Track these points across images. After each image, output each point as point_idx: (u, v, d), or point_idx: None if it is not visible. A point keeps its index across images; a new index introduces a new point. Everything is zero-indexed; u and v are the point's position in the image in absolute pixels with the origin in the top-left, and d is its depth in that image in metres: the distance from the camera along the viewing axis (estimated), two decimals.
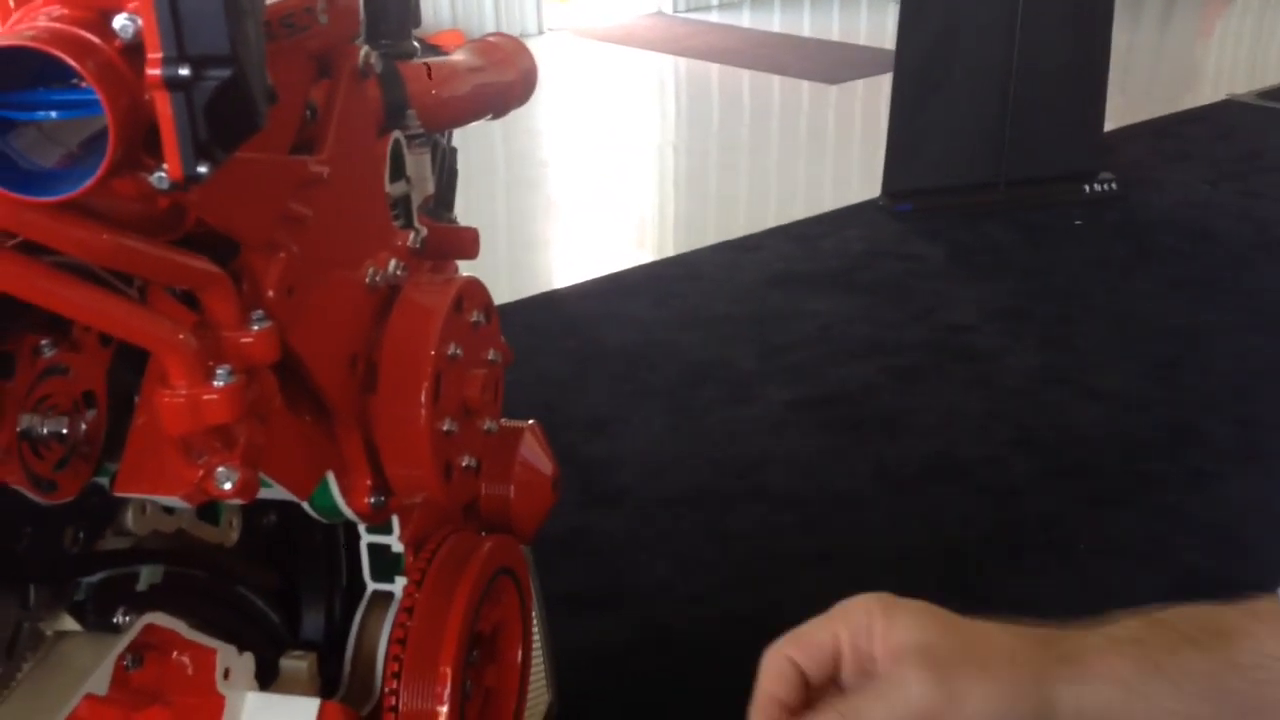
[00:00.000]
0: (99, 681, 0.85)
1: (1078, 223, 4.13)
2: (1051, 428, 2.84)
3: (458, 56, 1.27)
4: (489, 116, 1.31)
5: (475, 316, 1.08)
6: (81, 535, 0.83)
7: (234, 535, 1.04)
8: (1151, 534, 2.42)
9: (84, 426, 0.81)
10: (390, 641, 1.08)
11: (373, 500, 1.03)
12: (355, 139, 0.98)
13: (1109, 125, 4.54)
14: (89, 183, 0.64)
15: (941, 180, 4.23)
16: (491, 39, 1.32)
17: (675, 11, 7.74)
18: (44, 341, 0.78)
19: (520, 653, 1.25)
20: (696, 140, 5.71)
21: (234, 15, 0.64)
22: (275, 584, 1.10)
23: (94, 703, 0.96)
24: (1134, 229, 4.10)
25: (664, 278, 4.02)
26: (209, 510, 1.01)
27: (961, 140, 4.18)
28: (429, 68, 1.22)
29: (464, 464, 1.08)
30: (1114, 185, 4.30)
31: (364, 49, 0.98)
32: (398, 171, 1.12)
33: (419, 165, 1.13)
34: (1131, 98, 5.63)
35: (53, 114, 0.65)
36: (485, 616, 1.18)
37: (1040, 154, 4.21)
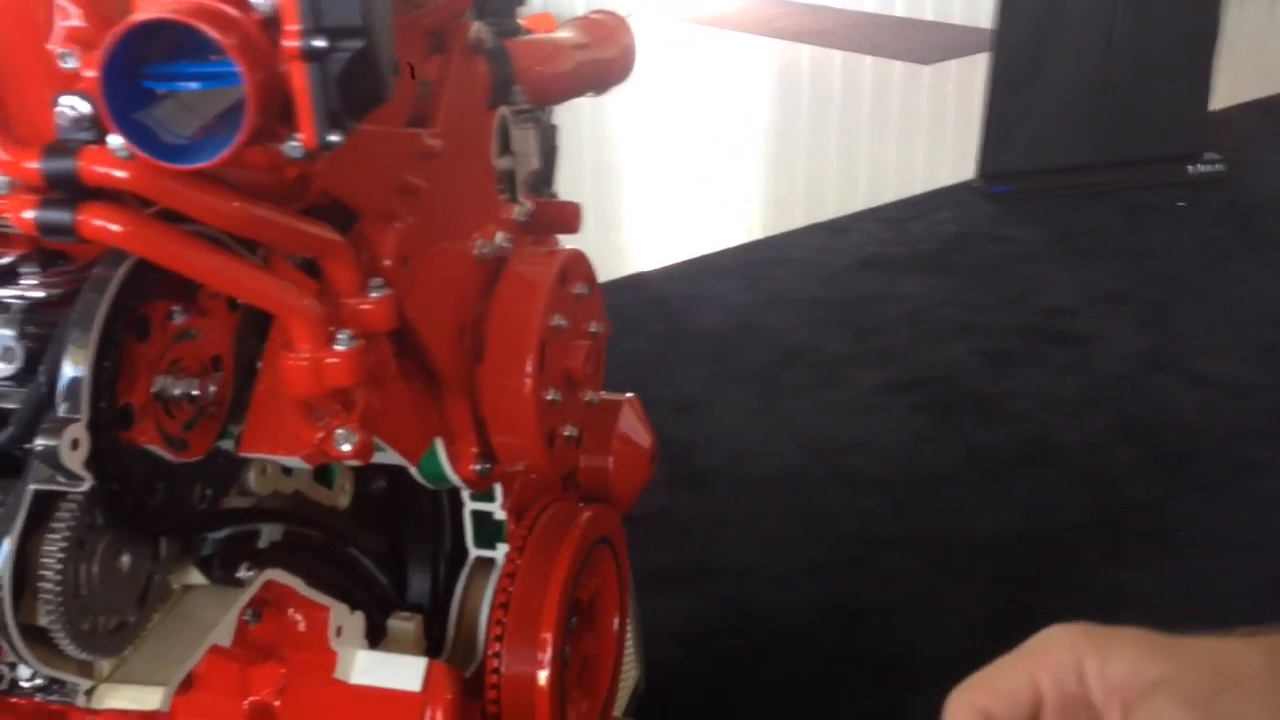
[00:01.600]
0: (224, 634, 0.89)
1: (1181, 204, 4.03)
2: (1151, 413, 2.78)
3: (562, 33, 1.29)
4: (591, 93, 1.32)
5: (578, 289, 1.10)
6: (209, 493, 0.86)
7: (345, 499, 1.07)
8: (1253, 522, 2.37)
9: (212, 388, 0.85)
10: (493, 606, 1.10)
11: (478, 467, 1.06)
12: (466, 113, 1.00)
13: (1215, 104, 4.41)
14: (227, 151, 0.67)
15: (1040, 161, 4.16)
16: (595, 16, 1.34)
17: None
18: (175, 306, 0.82)
19: (617, 621, 1.27)
20: (786, 122, 5.68)
21: None
22: (383, 547, 1.14)
23: (213, 655, 1.01)
24: (1239, 211, 3.99)
25: (753, 260, 4.02)
26: (322, 473, 1.05)
27: (1061, 120, 4.10)
28: (534, 44, 1.24)
29: (566, 434, 1.10)
30: (1220, 166, 4.19)
31: (476, 25, 1.00)
32: (504, 146, 1.14)
33: (524, 140, 1.15)
34: (1239, 75, 5.45)
35: (193, 85, 0.68)
36: (584, 585, 1.20)
37: (1143, 133, 4.12)
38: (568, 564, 1.12)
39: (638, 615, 2.35)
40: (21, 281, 0.78)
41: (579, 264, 1.10)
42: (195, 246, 0.76)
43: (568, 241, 1.50)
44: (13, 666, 0.80)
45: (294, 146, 0.69)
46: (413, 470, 1.06)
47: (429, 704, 1.05)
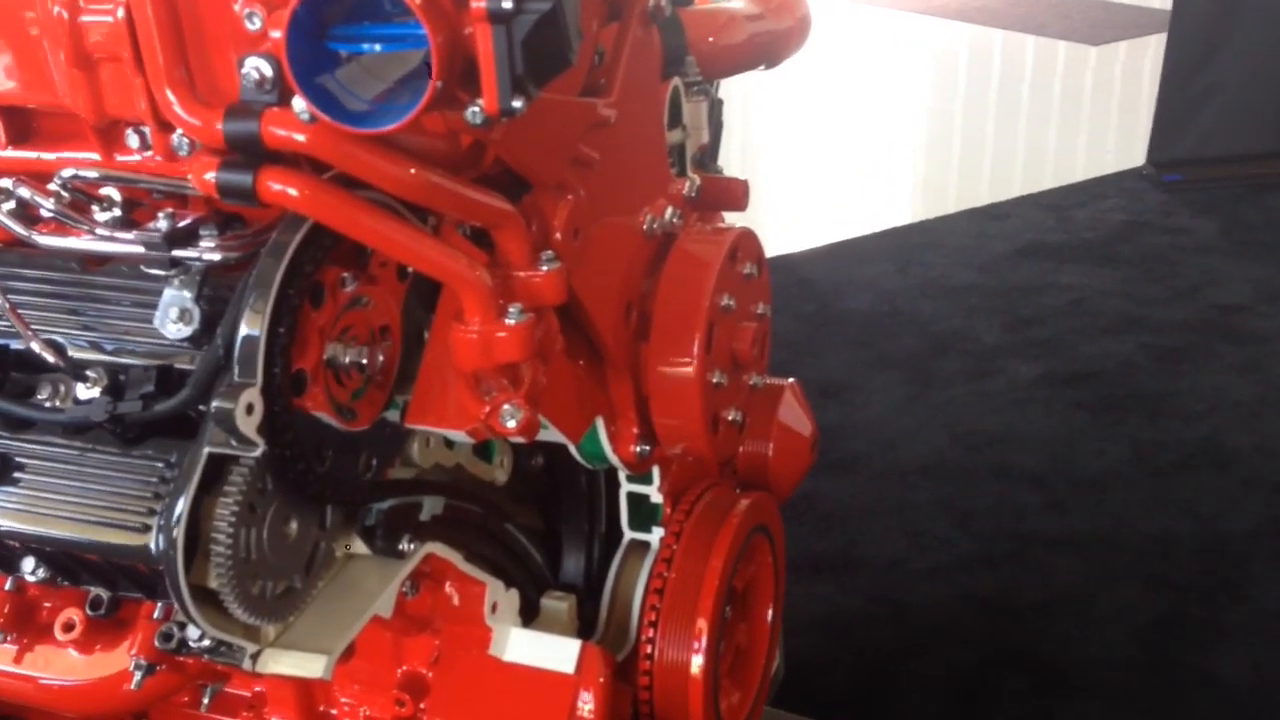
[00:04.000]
0: (385, 605, 0.88)
1: None
2: None
3: (735, 3, 1.25)
4: (762, 67, 1.28)
5: (748, 268, 1.06)
6: (374, 462, 0.86)
7: (504, 474, 1.06)
8: None
9: (380, 358, 0.84)
10: (648, 591, 1.08)
11: (638, 449, 1.03)
12: (640, 84, 0.97)
13: None
14: (410, 115, 0.65)
15: (1217, 149, 3.94)
16: None
17: None
18: (348, 273, 0.81)
19: (771, 612, 1.23)
20: (942, 104, 5.52)
21: None
22: (539, 525, 1.12)
23: (370, 623, 1.01)
24: None
25: (905, 244, 3.91)
26: (482, 447, 1.04)
27: (1243, 105, 3.88)
28: (707, 14, 1.20)
29: (730, 418, 1.07)
30: None
31: None
32: (675, 119, 1.11)
33: (695, 114, 1.12)
34: None
35: (377, 47, 0.66)
36: (739, 573, 1.17)
37: None
38: (725, 552, 1.08)
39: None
40: (200, 244, 0.78)
41: (749, 243, 1.07)
42: (371, 213, 0.75)
43: (731, 219, 1.46)
44: (182, 626, 0.81)
45: (475, 112, 0.67)
46: (573, 449, 1.04)
47: (581, 686, 1.03)
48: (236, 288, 0.76)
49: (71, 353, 0.81)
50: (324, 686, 1.13)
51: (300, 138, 0.70)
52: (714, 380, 1.02)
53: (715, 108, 1.35)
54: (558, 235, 0.86)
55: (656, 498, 1.14)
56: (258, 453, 0.74)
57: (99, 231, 0.79)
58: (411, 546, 0.89)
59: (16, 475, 0.79)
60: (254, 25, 0.71)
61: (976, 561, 2.26)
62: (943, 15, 6.46)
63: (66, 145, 0.83)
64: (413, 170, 0.73)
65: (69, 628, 0.86)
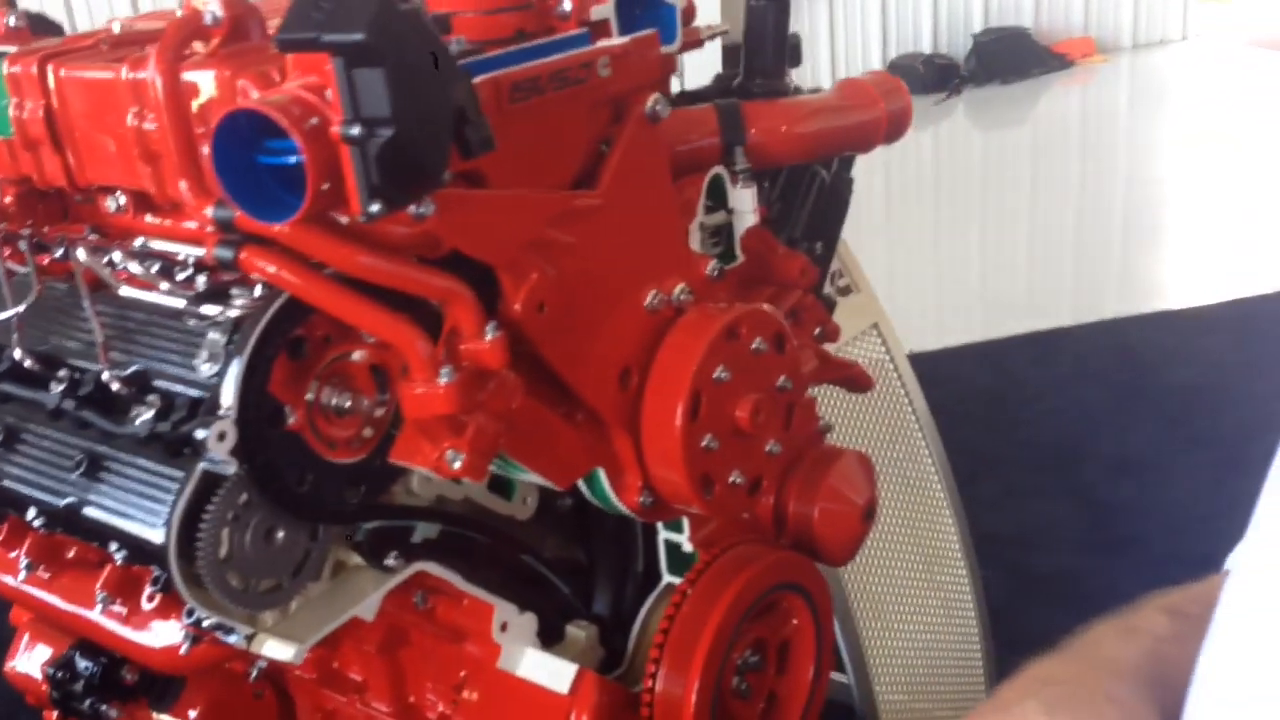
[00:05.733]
0: (368, 610, 1.06)
1: None
2: None
3: (823, 94, 1.33)
4: (851, 153, 1.36)
5: (756, 344, 1.14)
6: (361, 489, 1.03)
7: (525, 511, 1.21)
8: None
9: (366, 402, 1.02)
10: (659, 630, 1.18)
11: (642, 499, 1.14)
12: (640, 176, 1.09)
13: None
14: (296, 214, 0.82)
15: None
16: (865, 77, 1.37)
17: None
18: (332, 332, 0.99)
19: (813, 670, 1.28)
20: None
21: (400, 87, 0.79)
22: (572, 559, 1.25)
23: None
24: None
25: (1248, 316, 3.60)
26: (501, 485, 1.19)
27: None
28: (787, 105, 1.29)
29: (730, 480, 1.15)
30: None
31: (652, 97, 1.08)
32: (719, 203, 1.22)
33: (740, 198, 1.22)
34: None
35: (291, 159, 0.84)
36: (771, 628, 1.24)
37: None
38: (732, 600, 1.16)
39: (995, 676, 2.25)
40: (230, 301, 1.00)
41: (759, 320, 1.14)
42: (328, 286, 0.93)
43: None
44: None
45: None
46: (586, 492, 1.17)
47: (574, 707, 1.16)
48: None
49: (154, 382, 1.05)
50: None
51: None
52: (703, 444, 1.11)
53: (825, 188, 1.42)
54: (516, 308, 1.00)
55: (689, 547, 1.24)
56: (231, 472, 0.94)
57: (163, 286, 1.03)
58: (397, 563, 1.06)
59: (101, 475, 1.04)
60: None
61: None
62: None
63: (169, 216, 1.07)
64: (355, 252, 0.91)
65: (151, 599, 1.10)
